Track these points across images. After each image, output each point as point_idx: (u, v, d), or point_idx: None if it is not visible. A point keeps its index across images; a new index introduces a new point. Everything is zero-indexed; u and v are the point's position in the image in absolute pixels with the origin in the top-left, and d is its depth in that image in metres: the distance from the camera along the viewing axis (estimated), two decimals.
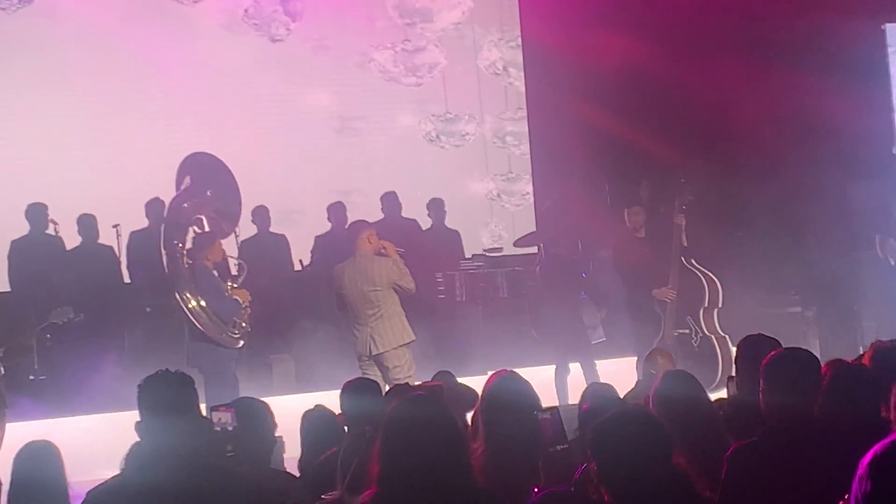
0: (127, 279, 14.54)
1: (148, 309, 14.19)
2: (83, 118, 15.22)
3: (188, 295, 11.55)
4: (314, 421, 7.39)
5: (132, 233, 14.54)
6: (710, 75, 15.22)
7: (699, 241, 13.14)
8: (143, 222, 14.63)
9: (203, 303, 11.53)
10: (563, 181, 16.07)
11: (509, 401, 5.74)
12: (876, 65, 14.40)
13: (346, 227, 14.54)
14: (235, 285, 11.91)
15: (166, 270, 12.01)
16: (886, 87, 14.26)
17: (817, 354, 13.08)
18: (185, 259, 11.79)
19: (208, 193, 12.30)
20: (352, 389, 7.17)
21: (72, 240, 14.38)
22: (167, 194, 14.55)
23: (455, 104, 16.60)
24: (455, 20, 16.55)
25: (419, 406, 4.57)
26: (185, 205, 12.19)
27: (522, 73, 16.92)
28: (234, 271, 12.63)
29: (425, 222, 15.67)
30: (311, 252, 15.22)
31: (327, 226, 15.35)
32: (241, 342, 11.74)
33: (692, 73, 15.23)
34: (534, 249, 15.33)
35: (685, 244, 12.71)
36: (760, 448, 4.97)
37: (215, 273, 11.88)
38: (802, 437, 4.93)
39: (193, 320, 11.53)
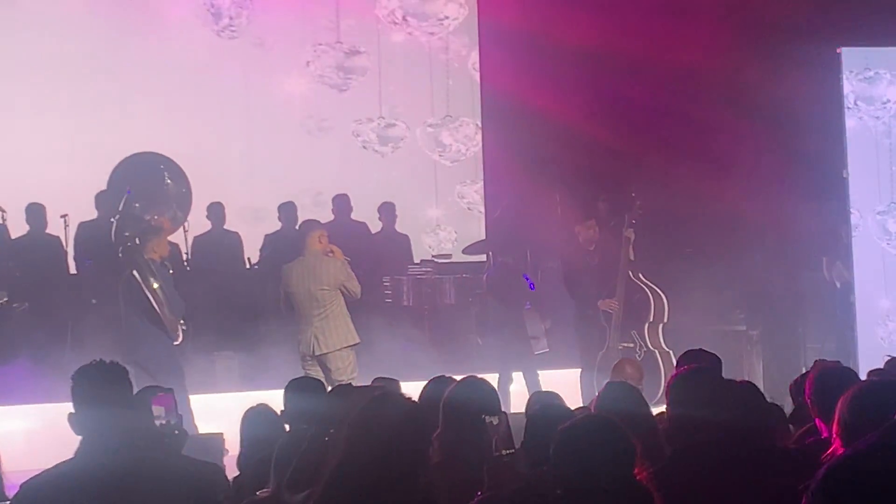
0: (73, 270, 14.44)
1: (94, 301, 14.10)
2: (34, 107, 15.13)
3: (150, 278, 11.52)
4: (256, 418, 7.37)
5: (81, 224, 14.45)
6: (660, 91, 15.30)
7: (647, 256, 13.20)
8: (93, 213, 14.53)
9: (156, 285, 11.51)
10: (515, 190, 16.09)
11: (461, 404, 5.72)
12: (829, 88, 14.49)
13: (297, 226, 14.55)
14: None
15: (120, 255, 12.18)
16: (839, 110, 14.34)
17: (760, 374, 13.20)
18: (139, 251, 11.82)
19: (127, 191, 12.36)
20: (295, 388, 7.16)
21: (18, 229, 14.28)
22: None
23: (410, 108, 16.60)
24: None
25: (391, 404, 4.52)
26: (136, 205, 12.28)
27: (479, 84, 16.93)
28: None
29: (375, 226, 15.66)
30: (260, 250, 15.18)
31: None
32: (180, 339, 11.71)
33: (645, 87, 15.32)
34: (482, 257, 15.37)
35: (632, 258, 12.77)
36: (666, 472, 4.95)
37: (166, 265, 11.90)
38: (707, 457, 4.91)
39: (152, 301, 11.45)
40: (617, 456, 4.34)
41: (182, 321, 11.72)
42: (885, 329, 13.26)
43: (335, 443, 4.58)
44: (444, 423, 5.60)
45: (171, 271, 12.05)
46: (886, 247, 13.98)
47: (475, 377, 6.05)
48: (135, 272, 11.60)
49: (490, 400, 5.80)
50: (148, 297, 11.49)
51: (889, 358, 6.10)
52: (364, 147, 16.24)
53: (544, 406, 5.78)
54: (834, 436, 4.79)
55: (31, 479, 4.67)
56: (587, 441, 4.35)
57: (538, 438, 5.09)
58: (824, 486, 2.84)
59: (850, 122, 13.99)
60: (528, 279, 13.55)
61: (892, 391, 4.55)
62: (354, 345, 11.61)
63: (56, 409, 11.24)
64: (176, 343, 11.70)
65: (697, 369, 5.41)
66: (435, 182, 16.71)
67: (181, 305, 11.67)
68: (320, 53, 16.11)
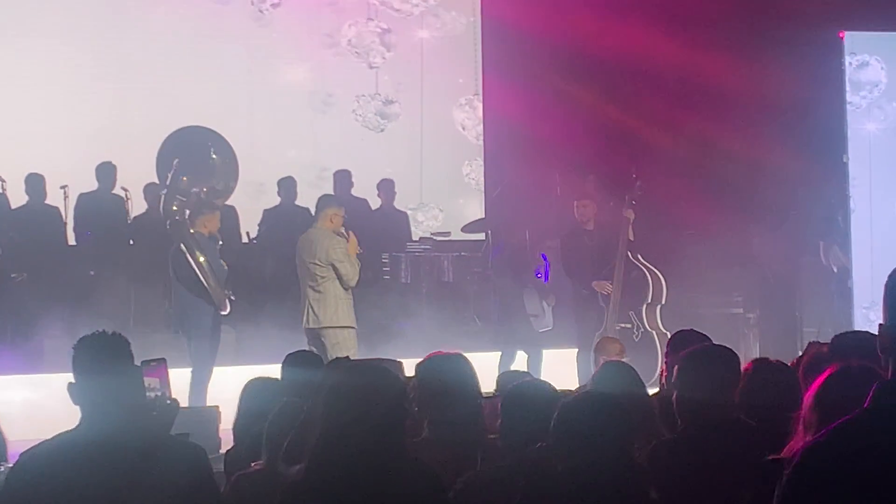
0: (72, 241, 14.43)
1: (92, 272, 14.12)
2: (35, 78, 15.09)
3: (197, 251, 11.82)
4: (256, 390, 7.36)
5: (81, 195, 14.44)
6: (669, 71, 15.30)
7: (646, 237, 13.21)
8: (93, 185, 14.52)
9: (202, 259, 11.81)
10: (515, 169, 16.09)
11: (452, 383, 5.71)
12: (832, 72, 14.48)
13: (296, 201, 14.62)
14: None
15: (168, 228, 12.43)
16: (841, 95, 14.34)
17: (756, 356, 13.22)
18: (186, 225, 12.17)
19: (183, 179, 12.52)
20: (292, 361, 7.18)
21: (18, 199, 14.27)
22: (119, 158, 14.57)
23: (412, 87, 16.57)
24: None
25: (365, 373, 4.51)
26: (184, 178, 12.41)
27: (481, 62, 16.91)
28: None
29: (375, 202, 15.65)
30: (259, 225, 15.17)
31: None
32: (228, 309, 12.00)
33: (652, 65, 15.31)
34: (481, 236, 15.37)
35: (632, 238, 12.77)
36: (678, 446, 4.97)
37: (215, 237, 12.19)
38: (717, 434, 4.92)
39: (198, 273, 11.76)
40: (617, 433, 4.37)
41: (230, 292, 11.94)
42: (878, 314, 13.25)
43: (314, 412, 4.58)
44: (428, 400, 5.57)
45: (220, 243, 12.16)
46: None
47: (456, 353, 6.05)
48: (182, 246, 11.87)
49: (475, 378, 5.81)
50: (194, 270, 11.76)
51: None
52: (364, 125, 16.20)
53: (520, 386, 5.75)
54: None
55: (30, 448, 4.67)
56: (588, 418, 4.38)
57: (516, 419, 5.10)
58: (801, 468, 2.84)
59: None
60: (544, 257, 13.52)
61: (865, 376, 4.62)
62: (348, 327, 11.62)
63: (53, 380, 11.31)
64: (224, 313, 11.95)
65: (708, 349, 5.43)
66: (432, 159, 16.71)
67: (225, 273, 11.95)
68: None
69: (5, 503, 4.61)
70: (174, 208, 12.47)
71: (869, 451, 2.77)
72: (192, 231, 11.95)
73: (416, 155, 16.56)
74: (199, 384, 11.54)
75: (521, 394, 5.30)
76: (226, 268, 12.07)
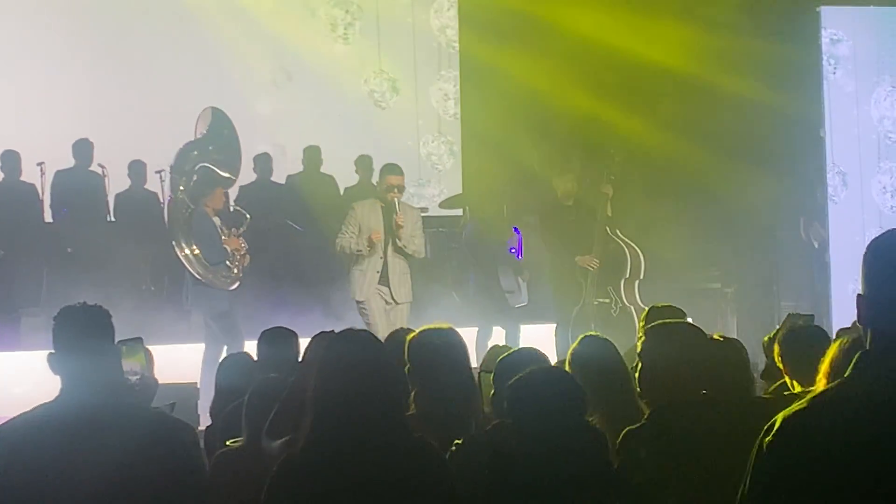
0: (49, 218, 14.37)
1: (69, 249, 14.07)
2: (10, 53, 15.01)
3: (183, 243, 12.02)
4: (232, 367, 7.35)
5: (57, 172, 14.38)
6: (644, 45, 15.27)
7: (625, 212, 13.21)
8: (69, 162, 14.45)
9: (196, 250, 11.97)
10: (492, 145, 16.06)
11: (445, 355, 5.69)
12: (809, 47, 14.50)
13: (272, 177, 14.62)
14: (232, 232, 12.27)
15: (166, 218, 12.62)
16: (818, 69, 14.36)
17: (734, 331, 13.25)
18: (187, 204, 12.18)
19: (210, 148, 12.56)
20: (268, 338, 7.17)
21: None
22: (95, 135, 14.50)
23: (389, 63, 16.53)
24: None
25: (355, 343, 4.47)
26: (195, 153, 12.42)
27: (457, 33, 16.86)
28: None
29: (352, 179, 15.58)
30: (235, 201, 15.12)
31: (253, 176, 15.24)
32: (235, 285, 12.10)
33: (629, 39, 15.29)
34: (459, 211, 15.35)
35: (610, 214, 12.76)
36: (647, 430, 4.95)
37: (216, 219, 12.18)
38: (688, 413, 4.89)
39: (187, 266, 11.96)
40: (567, 402, 4.51)
41: (231, 265, 12.03)
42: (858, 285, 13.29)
43: (299, 386, 4.56)
44: (421, 374, 5.55)
45: (216, 221, 12.20)
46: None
47: (449, 327, 6.03)
48: (172, 242, 12.11)
49: (464, 350, 5.80)
50: (184, 265, 12.02)
51: None
52: (341, 101, 16.16)
53: (515, 355, 5.75)
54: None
55: (9, 420, 4.66)
56: (537, 390, 4.52)
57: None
58: (779, 434, 2.83)
59: None
60: (517, 231, 13.52)
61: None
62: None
63: (30, 357, 11.26)
64: (232, 288, 12.08)
65: (670, 325, 5.37)
66: (415, 136, 16.67)
67: (219, 255, 12.01)
68: None
69: None
70: (180, 188, 12.46)
71: (847, 421, 2.77)
72: (188, 210, 12.03)
73: (393, 131, 16.51)
74: (207, 363, 11.52)
75: (516, 363, 5.31)
76: (227, 248, 12.06)
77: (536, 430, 4.45)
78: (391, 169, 12.03)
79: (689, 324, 5.35)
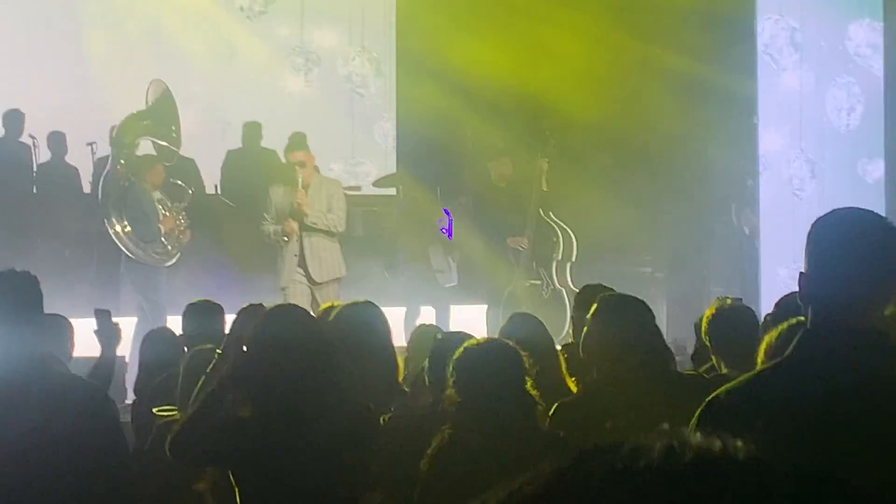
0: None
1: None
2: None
3: (115, 219, 12.00)
4: (154, 343, 7.29)
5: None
6: (575, 24, 15.26)
7: (557, 195, 13.23)
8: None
9: (127, 227, 11.94)
10: (427, 124, 15.99)
11: (365, 332, 5.70)
12: (743, 25, 14.57)
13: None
14: (174, 207, 12.27)
15: (99, 194, 12.53)
16: (752, 50, 14.44)
17: (664, 315, 13.30)
18: (126, 177, 12.15)
19: (151, 121, 12.61)
20: (194, 311, 7.11)
21: None
22: (29, 105, 14.35)
23: (323, 35, 16.41)
24: None
25: (286, 320, 4.75)
26: (136, 125, 12.40)
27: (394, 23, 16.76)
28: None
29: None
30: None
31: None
32: (170, 261, 12.12)
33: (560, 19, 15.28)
34: (392, 190, 15.29)
35: (545, 189, 12.76)
36: (583, 402, 5.07)
37: (156, 194, 12.17)
38: (620, 387, 4.99)
39: (118, 244, 11.96)
40: (506, 370, 4.70)
41: (166, 242, 11.98)
42: (788, 270, 13.40)
43: (236, 358, 4.62)
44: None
45: (156, 196, 12.11)
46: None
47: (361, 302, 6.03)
48: (104, 220, 12.09)
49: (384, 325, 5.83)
50: (115, 242, 12.02)
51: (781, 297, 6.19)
52: (279, 76, 16.03)
53: (445, 337, 5.75)
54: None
55: None
56: (479, 361, 4.70)
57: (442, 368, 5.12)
58: (711, 406, 2.85)
59: None
60: (447, 212, 13.50)
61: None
62: None
63: None
64: (168, 265, 12.10)
65: (627, 298, 5.53)
66: (350, 115, 16.57)
67: (151, 233, 12.00)
68: None
69: None
70: (120, 161, 12.34)
71: (785, 399, 2.79)
72: (125, 184, 11.93)
73: (329, 110, 16.42)
74: (138, 338, 11.42)
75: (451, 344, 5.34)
76: (161, 227, 12.02)
77: (477, 399, 4.61)
78: (292, 144, 12.01)
79: (642, 301, 5.41)
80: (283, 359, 4.54)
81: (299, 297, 11.38)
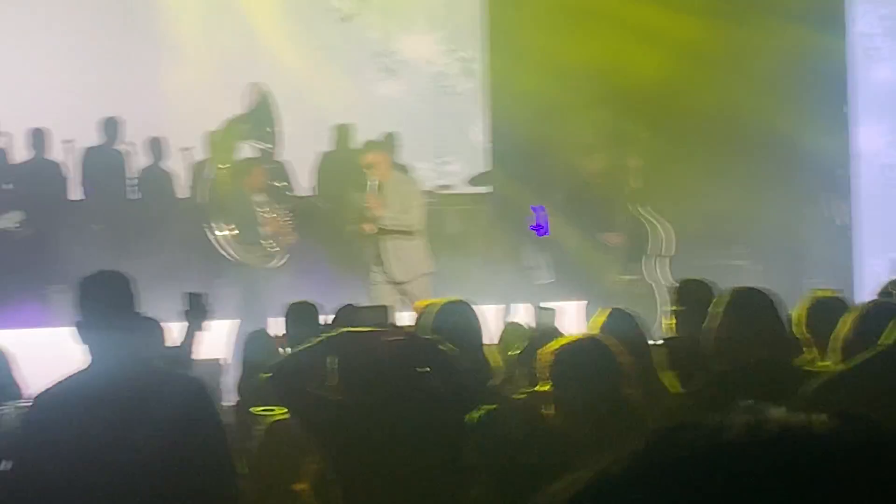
0: (74, 196, 14.39)
1: (96, 227, 14.10)
2: (39, 31, 15.03)
3: (215, 224, 12.07)
4: (253, 344, 7.39)
5: (86, 149, 14.41)
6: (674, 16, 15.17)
7: (653, 189, 13.18)
8: (96, 139, 14.51)
9: (233, 231, 11.98)
10: (522, 122, 15.98)
11: (456, 331, 5.74)
12: (834, 16, 14.43)
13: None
14: (276, 210, 12.24)
15: (199, 199, 12.50)
16: (841, 40, 14.29)
17: None
18: (227, 182, 12.22)
19: (251, 125, 12.74)
20: (293, 312, 7.20)
21: (20, 153, 14.25)
22: (126, 112, 14.53)
23: (413, 36, 16.44)
24: None
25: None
26: (236, 129, 12.49)
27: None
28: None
29: None
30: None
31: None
32: (274, 262, 12.09)
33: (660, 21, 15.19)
34: (486, 189, 15.32)
35: (636, 186, 12.72)
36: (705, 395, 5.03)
37: (258, 197, 12.18)
38: (742, 379, 4.95)
39: (219, 248, 11.98)
40: (603, 372, 4.65)
41: (269, 242, 12.01)
42: (882, 260, 13.28)
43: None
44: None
45: (258, 199, 12.18)
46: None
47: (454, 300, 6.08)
48: (205, 224, 12.10)
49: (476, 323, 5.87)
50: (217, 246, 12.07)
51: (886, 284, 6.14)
52: (369, 78, 16.09)
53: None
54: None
55: (45, 390, 4.72)
56: (577, 359, 4.67)
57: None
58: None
59: None
60: (538, 209, 13.49)
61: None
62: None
63: (56, 334, 11.32)
64: (271, 266, 12.08)
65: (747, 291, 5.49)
66: (439, 115, 16.58)
67: (252, 235, 12.01)
68: None
69: (25, 441, 4.69)
70: (220, 166, 12.45)
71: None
72: (226, 190, 12.02)
73: (423, 108, 16.45)
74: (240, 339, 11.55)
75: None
76: (262, 229, 12.04)
77: (573, 399, 4.60)
78: (364, 147, 12.05)
79: (771, 293, 5.41)
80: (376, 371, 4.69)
81: (383, 296, 11.45)
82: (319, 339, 4.90)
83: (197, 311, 6.55)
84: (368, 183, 11.54)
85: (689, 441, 1.16)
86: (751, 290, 5.51)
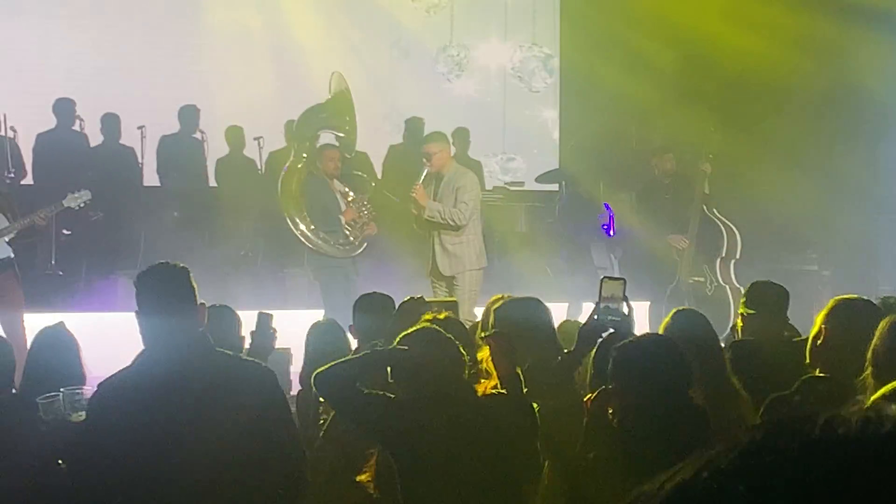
0: (149, 182, 14.49)
1: (176, 213, 14.21)
2: (112, 18, 15.16)
3: (294, 213, 12.01)
4: (320, 333, 7.39)
5: (163, 137, 14.54)
6: (742, 22, 15.08)
7: (722, 191, 13.11)
8: (174, 127, 14.63)
9: (311, 225, 11.92)
10: (590, 120, 15.96)
11: (528, 326, 5.75)
12: None
13: None
14: (355, 198, 12.15)
15: (279, 189, 12.36)
16: None
17: None
18: (305, 170, 12.15)
19: (323, 115, 12.59)
20: (364, 304, 7.20)
21: (95, 138, 14.39)
22: (201, 100, 14.65)
23: (481, 32, 16.43)
24: None
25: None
26: (315, 118, 12.51)
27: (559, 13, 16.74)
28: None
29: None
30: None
31: None
32: (353, 252, 12.03)
33: (727, 21, 15.11)
34: (555, 186, 15.29)
35: (707, 192, 12.67)
36: (797, 399, 4.96)
37: (335, 183, 12.09)
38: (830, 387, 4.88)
39: (304, 242, 11.95)
40: (671, 372, 4.59)
41: (349, 231, 11.93)
42: None
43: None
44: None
45: (336, 186, 12.15)
46: None
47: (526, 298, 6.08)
48: (287, 219, 12.02)
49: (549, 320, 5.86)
50: (301, 240, 12.00)
51: None
52: (440, 73, 16.08)
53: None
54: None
55: (107, 379, 4.75)
56: (643, 358, 4.63)
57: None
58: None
59: None
60: (608, 208, 13.45)
61: None
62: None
63: (125, 318, 11.42)
64: (353, 255, 12.02)
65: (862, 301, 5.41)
66: (508, 111, 16.57)
67: (331, 224, 11.91)
68: None
69: (90, 430, 4.74)
70: (303, 155, 12.46)
71: None
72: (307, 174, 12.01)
73: (492, 104, 16.46)
74: None
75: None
76: (341, 218, 11.99)
77: (638, 398, 4.55)
78: (425, 138, 12.04)
79: (873, 303, 5.36)
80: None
81: (438, 290, 11.50)
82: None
83: (263, 329, 6.54)
84: (423, 174, 11.51)
85: (802, 434, 1.14)
86: (864, 301, 5.39)
